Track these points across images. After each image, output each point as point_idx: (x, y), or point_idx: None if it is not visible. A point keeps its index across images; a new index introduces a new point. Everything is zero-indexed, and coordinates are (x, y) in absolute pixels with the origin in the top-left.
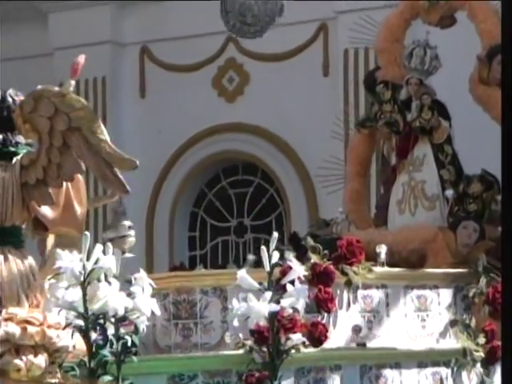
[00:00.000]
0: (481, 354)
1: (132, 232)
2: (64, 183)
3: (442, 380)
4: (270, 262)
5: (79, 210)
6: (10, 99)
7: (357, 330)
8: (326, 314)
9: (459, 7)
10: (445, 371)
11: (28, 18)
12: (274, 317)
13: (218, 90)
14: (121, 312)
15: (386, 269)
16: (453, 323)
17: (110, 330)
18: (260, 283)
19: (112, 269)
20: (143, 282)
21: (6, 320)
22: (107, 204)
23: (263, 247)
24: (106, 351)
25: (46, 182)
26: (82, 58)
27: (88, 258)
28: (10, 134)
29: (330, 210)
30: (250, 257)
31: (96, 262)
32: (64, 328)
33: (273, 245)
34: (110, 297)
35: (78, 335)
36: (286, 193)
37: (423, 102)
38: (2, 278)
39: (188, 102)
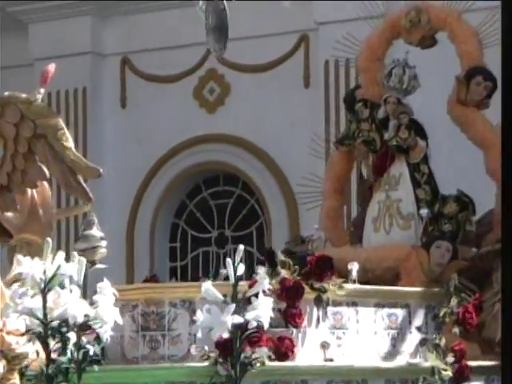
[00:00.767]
0: (449, 373)
1: (103, 243)
2: (29, 190)
3: None
4: (234, 274)
5: (44, 217)
6: None
7: (325, 346)
8: (294, 329)
9: (440, 28)
10: None
11: (8, 29)
12: (237, 329)
13: (198, 101)
14: (80, 320)
15: (357, 286)
16: (423, 342)
17: (73, 339)
18: (225, 296)
19: (74, 276)
20: (106, 291)
21: None
22: (78, 215)
23: (228, 260)
24: (64, 359)
25: (10, 188)
26: (52, 67)
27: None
28: None
29: (312, 221)
30: (223, 270)
31: (57, 269)
32: (23, 334)
33: (238, 257)
34: (69, 304)
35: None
36: (266, 204)
37: (400, 121)
38: None
39: (169, 113)
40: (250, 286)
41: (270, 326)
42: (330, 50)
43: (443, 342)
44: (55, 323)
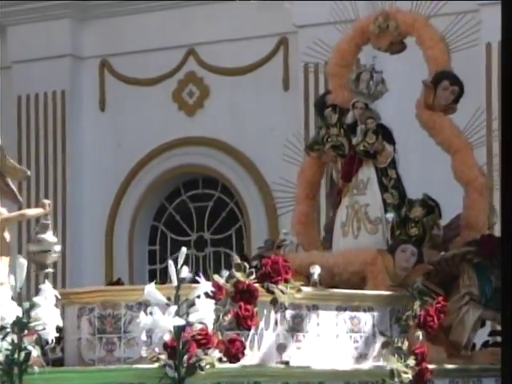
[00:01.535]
0: (409, 375)
1: (57, 248)
2: None
3: None
4: (177, 276)
5: None
6: None
7: (281, 348)
8: (251, 332)
9: (408, 33)
10: None
11: None
12: (179, 331)
13: (178, 104)
14: (8, 321)
15: (318, 289)
16: (384, 345)
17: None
18: (169, 298)
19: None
20: (48, 293)
21: None
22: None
23: (170, 261)
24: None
25: None
26: None
27: None
28: None
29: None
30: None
31: None
32: None
33: (181, 259)
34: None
35: None
36: (245, 206)
37: (368, 126)
38: None
39: (148, 116)
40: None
41: (225, 328)
42: (310, 53)
43: (406, 345)
44: None
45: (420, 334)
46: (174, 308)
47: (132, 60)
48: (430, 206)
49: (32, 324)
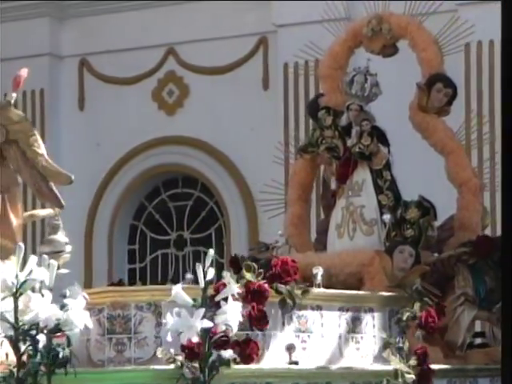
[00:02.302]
0: (412, 376)
1: (68, 248)
2: (0, 195)
3: None
4: (204, 278)
5: (15, 221)
6: None
7: (290, 348)
8: (259, 332)
9: (401, 36)
10: None
11: None
12: (206, 333)
13: (157, 103)
14: (51, 324)
15: (322, 290)
16: (386, 345)
17: (43, 342)
18: (194, 299)
19: (45, 281)
20: (77, 295)
21: None
22: (45, 218)
23: (198, 264)
24: (35, 361)
25: None
26: (24, 72)
27: (22, 269)
28: None
29: (271, 221)
30: (188, 275)
31: (29, 274)
32: None
33: (208, 261)
34: (41, 308)
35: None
36: (225, 206)
37: (363, 128)
38: None
39: (127, 115)
40: (216, 290)
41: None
42: (289, 52)
43: (406, 345)
44: (26, 327)
45: (420, 334)
46: (202, 310)
47: (111, 59)
48: (426, 208)
49: (63, 326)
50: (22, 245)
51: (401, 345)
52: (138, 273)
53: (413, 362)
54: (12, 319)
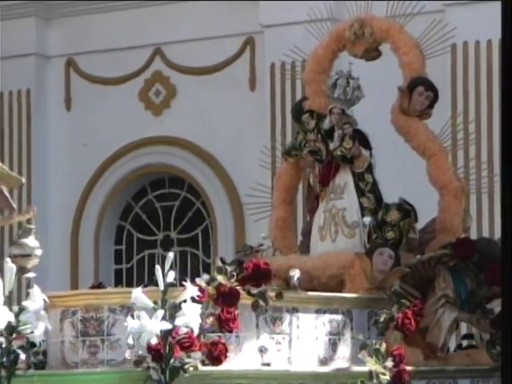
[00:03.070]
0: (387, 377)
1: (38, 252)
2: None
3: None
4: (164, 281)
5: None
6: None
7: (263, 351)
8: (232, 335)
9: (383, 40)
10: None
11: None
12: (166, 335)
13: (144, 103)
14: (1, 326)
15: (297, 292)
16: (363, 347)
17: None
18: (155, 302)
19: None
20: (36, 297)
21: None
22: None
23: (157, 266)
24: None
25: None
26: None
27: None
28: None
29: (257, 224)
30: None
31: None
32: None
33: (168, 264)
34: None
35: None
36: (212, 206)
37: (345, 132)
38: None
39: (114, 115)
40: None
41: (207, 331)
42: (276, 53)
43: (383, 346)
44: None
45: (397, 335)
46: (161, 312)
47: (98, 59)
48: (406, 210)
49: (21, 328)
50: None
51: (377, 346)
52: (124, 273)
53: (389, 363)
54: None
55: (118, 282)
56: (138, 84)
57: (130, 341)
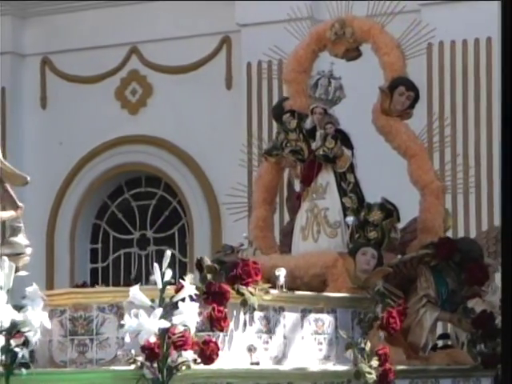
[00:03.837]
0: (373, 376)
1: (28, 250)
2: None
3: None
4: (162, 279)
5: None
6: None
7: (251, 349)
8: (221, 334)
9: (364, 40)
10: None
11: None
12: (164, 333)
13: (120, 102)
14: (6, 324)
15: (284, 291)
16: (348, 346)
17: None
18: (153, 300)
19: (1, 282)
20: (35, 296)
21: None
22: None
23: (156, 264)
24: None
25: None
26: None
27: None
28: None
29: (234, 223)
30: (152, 277)
31: None
32: None
33: (166, 263)
34: None
35: None
36: (188, 205)
37: (327, 132)
38: None
39: (90, 114)
40: (177, 291)
41: (197, 329)
42: (252, 52)
43: (368, 346)
44: None
45: (382, 335)
46: (159, 311)
47: (74, 58)
48: (389, 210)
49: (20, 326)
50: None
51: (362, 345)
52: (100, 272)
53: (374, 362)
54: None
55: (93, 281)
56: (114, 83)
57: (127, 339)
